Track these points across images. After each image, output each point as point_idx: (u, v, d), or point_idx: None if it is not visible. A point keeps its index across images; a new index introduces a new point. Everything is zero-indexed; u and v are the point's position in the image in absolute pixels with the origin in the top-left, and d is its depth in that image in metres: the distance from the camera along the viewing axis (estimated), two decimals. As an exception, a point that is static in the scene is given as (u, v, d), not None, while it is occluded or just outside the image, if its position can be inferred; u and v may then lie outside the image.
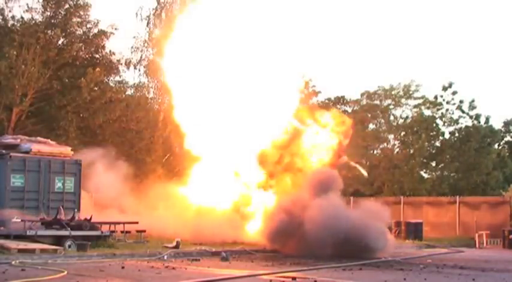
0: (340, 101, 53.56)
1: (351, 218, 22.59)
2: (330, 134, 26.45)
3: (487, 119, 44.24)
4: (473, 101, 43.90)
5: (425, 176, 45.41)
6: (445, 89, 44.15)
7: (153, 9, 36.35)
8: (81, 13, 34.00)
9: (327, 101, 52.75)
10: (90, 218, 21.39)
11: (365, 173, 39.23)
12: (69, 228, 20.22)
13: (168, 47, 27.91)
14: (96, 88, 32.94)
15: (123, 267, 16.16)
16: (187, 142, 27.63)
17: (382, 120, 45.94)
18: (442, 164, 44.48)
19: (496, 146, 45.70)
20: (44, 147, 24.08)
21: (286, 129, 26.28)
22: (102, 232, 21.20)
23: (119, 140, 33.80)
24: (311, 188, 23.74)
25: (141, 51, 35.97)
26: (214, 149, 26.16)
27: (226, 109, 25.79)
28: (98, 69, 32.22)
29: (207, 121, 26.08)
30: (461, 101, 44.06)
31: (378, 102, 45.90)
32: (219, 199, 26.25)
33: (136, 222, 23.01)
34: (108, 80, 35.14)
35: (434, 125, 44.35)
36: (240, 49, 25.49)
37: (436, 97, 44.51)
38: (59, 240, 19.72)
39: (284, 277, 14.92)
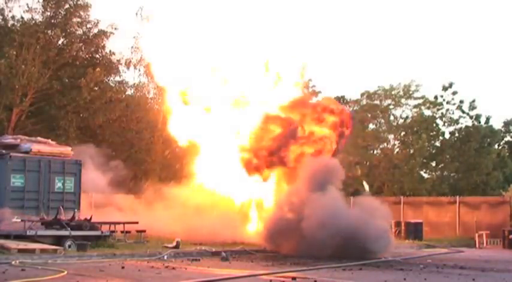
0: (340, 101, 53.55)
1: (352, 216, 21.94)
2: (326, 130, 25.71)
3: (487, 119, 44.26)
4: (473, 101, 43.95)
5: (425, 176, 45.39)
6: (445, 89, 44.15)
7: (153, 9, 36.34)
8: (81, 13, 34.04)
9: (327, 101, 52.84)
10: (90, 218, 21.40)
11: (367, 188, 39.11)
12: (69, 228, 20.23)
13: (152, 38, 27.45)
14: (96, 88, 32.98)
15: (123, 267, 16.16)
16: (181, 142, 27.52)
17: (382, 120, 45.91)
18: (442, 164, 44.46)
19: (496, 146, 45.67)
20: (44, 147, 24.08)
21: (275, 128, 25.25)
22: (102, 232, 21.22)
23: (119, 140, 33.82)
24: (307, 181, 22.73)
25: (141, 51, 35.97)
26: (210, 147, 26.02)
27: (214, 104, 25.77)
28: (98, 69, 32.25)
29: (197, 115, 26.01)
30: (461, 101, 44.07)
31: (378, 102, 45.87)
32: (220, 198, 26.16)
33: (136, 222, 23.02)
34: (108, 80, 35.17)
35: (434, 125, 44.33)
36: (237, 44, 25.41)
37: (436, 97, 44.52)
38: (59, 240, 19.72)
39: (284, 277, 14.92)
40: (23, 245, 18.39)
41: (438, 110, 44.53)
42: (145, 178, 33.55)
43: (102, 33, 34.45)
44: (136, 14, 36.12)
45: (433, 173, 45.16)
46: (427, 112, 44.95)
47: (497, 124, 46.64)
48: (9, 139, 24.39)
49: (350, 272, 16.76)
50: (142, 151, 34.32)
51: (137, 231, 23.07)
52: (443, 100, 44.36)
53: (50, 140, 25.25)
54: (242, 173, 25.54)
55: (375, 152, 46.36)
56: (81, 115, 33.11)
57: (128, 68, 35.76)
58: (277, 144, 24.90)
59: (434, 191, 41.99)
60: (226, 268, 16.90)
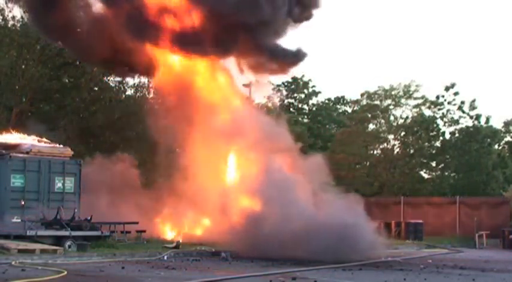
0: (340, 101, 53.60)
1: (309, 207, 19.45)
2: None
3: (487, 119, 44.22)
4: (473, 101, 43.88)
5: (426, 176, 45.38)
6: (447, 89, 44.13)
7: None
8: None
9: (327, 101, 52.87)
10: (90, 218, 21.41)
11: None
12: (69, 229, 20.24)
13: None
14: (96, 88, 32.94)
15: (123, 268, 16.17)
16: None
17: (382, 120, 45.90)
18: (443, 164, 44.44)
19: (496, 146, 45.64)
20: (44, 147, 24.10)
21: None
22: (102, 232, 21.23)
23: (119, 140, 33.76)
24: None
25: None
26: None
27: None
28: (95, 68, 32.15)
29: None
30: (462, 102, 44.03)
31: (378, 102, 45.85)
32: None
33: (137, 223, 23.04)
34: (108, 80, 35.09)
35: (434, 125, 44.30)
36: None
37: (437, 97, 44.50)
38: (59, 241, 19.75)
39: (284, 277, 14.92)
40: (23, 245, 18.41)
41: (439, 110, 44.52)
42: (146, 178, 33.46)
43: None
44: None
45: (433, 173, 45.14)
46: (428, 112, 44.96)
47: (497, 124, 46.62)
48: (9, 139, 24.41)
49: (350, 272, 16.78)
50: (143, 151, 34.24)
51: (137, 231, 23.08)
52: (445, 100, 44.35)
53: (50, 140, 25.25)
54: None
55: (375, 152, 46.34)
56: (81, 115, 33.07)
57: (128, 68, 35.70)
58: None
59: (435, 191, 41.97)
60: (226, 268, 16.91)
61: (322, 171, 21.54)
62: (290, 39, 28.29)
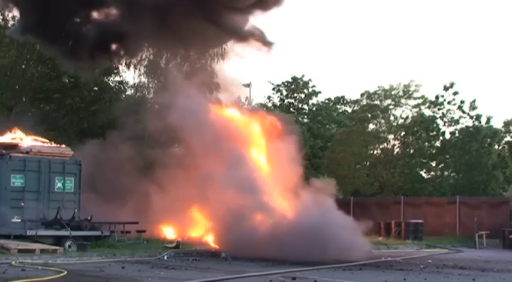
0: (340, 101, 53.61)
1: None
2: None
3: (488, 119, 44.17)
4: (474, 101, 43.83)
5: (425, 176, 45.34)
6: (446, 89, 44.08)
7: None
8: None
9: (327, 101, 52.88)
10: (90, 218, 21.42)
11: None
12: (69, 228, 20.25)
13: None
14: (96, 88, 32.94)
15: (123, 268, 16.18)
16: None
17: (382, 120, 45.89)
18: (443, 164, 44.42)
19: (496, 146, 45.58)
20: (44, 147, 24.11)
21: None
22: (102, 232, 21.24)
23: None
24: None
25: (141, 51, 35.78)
26: None
27: None
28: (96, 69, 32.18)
29: None
30: (462, 101, 44.00)
31: (378, 102, 45.84)
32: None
33: (137, 222, 23.03)
34: (108, 80, 35.10)
35: (434, 125, 44.28)
36: None
37: (437, 97, 44.47)
38: (59, 240, 19.76)
39: (284, 277, 14.92)
40: (23, 245, 18.42)
41: (439, 110, 44.48)
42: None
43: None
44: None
45: (433, 173, 45.10)
46: (427, 112, 44.91)
47: (497, 124, 46.54)
48: (9, 139, 24.42)
49: (350, 272, 16.79)
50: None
51: (137, 231, 23.08)
52: (444, 100, 44.31)
53: (50, 141, 25.25)
54: None
55: (375, 152, 46.32)
56: (81, 115, 33.08)
57: (128, 68, 35.69)
58: None
59: (435, 191, 41.95)
60: (226, 268, 16.90)
61: (295, 161, 21.41)
62: (290, 39, 28.35)
